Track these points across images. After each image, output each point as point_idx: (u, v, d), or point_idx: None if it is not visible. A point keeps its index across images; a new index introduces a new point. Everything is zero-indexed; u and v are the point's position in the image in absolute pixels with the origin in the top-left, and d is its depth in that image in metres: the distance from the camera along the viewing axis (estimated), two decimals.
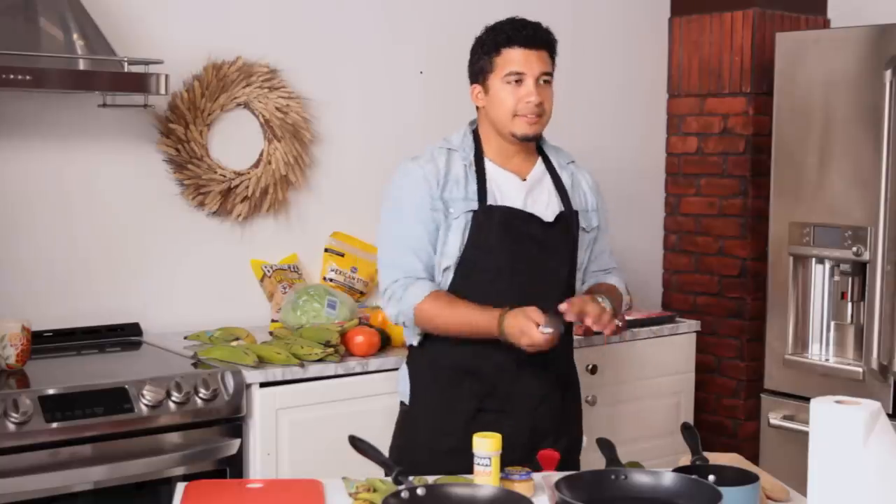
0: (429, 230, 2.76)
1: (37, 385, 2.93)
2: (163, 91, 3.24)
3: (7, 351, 3.06)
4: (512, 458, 2.36)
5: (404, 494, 2.02)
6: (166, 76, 3.24)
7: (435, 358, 2.81)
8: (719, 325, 4.69)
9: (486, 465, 2.21)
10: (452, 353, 2.77)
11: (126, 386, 2.94)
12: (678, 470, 2.14)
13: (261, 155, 3.82)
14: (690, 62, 4.81)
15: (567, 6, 4.60)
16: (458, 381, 2.77)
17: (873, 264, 3.80)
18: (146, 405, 2.92)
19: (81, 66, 3.19)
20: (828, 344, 4.07)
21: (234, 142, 3.77)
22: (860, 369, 3.87)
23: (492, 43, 2.78)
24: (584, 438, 2.96)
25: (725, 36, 4.66)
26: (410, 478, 2.12)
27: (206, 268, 3.73)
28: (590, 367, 3.82)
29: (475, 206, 2.74)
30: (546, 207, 2.81)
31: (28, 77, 2.98)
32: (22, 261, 3.41)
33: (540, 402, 2.79)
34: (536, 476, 2.31)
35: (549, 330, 2.52)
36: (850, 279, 3.94)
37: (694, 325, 4.22)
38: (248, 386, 3.10)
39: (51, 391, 2.86)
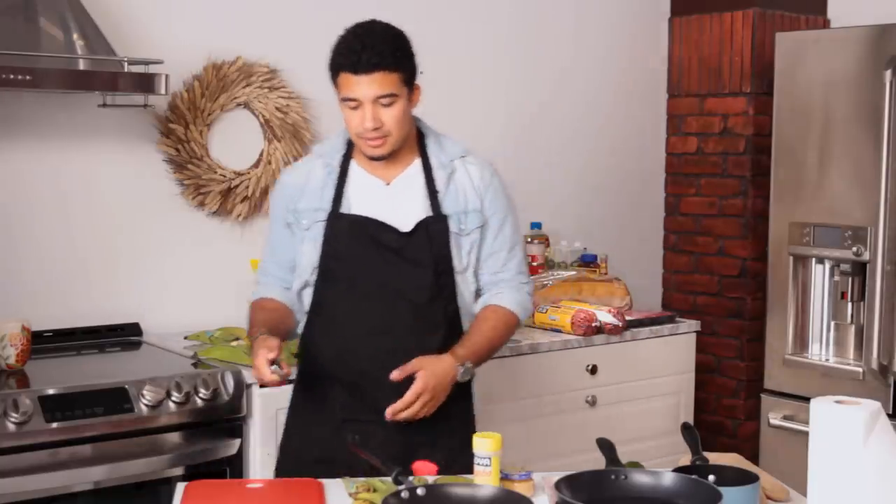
0: (285, 240, 2.71)
1: (37, 385, 2.93)
2: (163, 91, 3.24)
3: (7, 351, 3.06)
4: (385, 467, 2.30)
5: (404, 494, 2.02)
6: (166, 76, 3.24)
7: (307, 366, 2.74)
8: (719, 325, 4.69)
9: (486, 465, 2.21)
10: (322, 361, 2.68)
11: (126, 386, 2.94)
12: (678, 470, 2.14)
13: (261, 155, 3.82)
14: (690, 62, 4.81)
15: (568, 6, 4.60)
16: (326, 389, 2.68)
17: (873, 264, 3.80)
18: (146, 405, 2.92)
19: (81, 66, 3.19)
20: (828, 344, 4.07)
21: (234, 142, 3.77)
22: (860, 369, 3.87)
23: (332, 63, 2.61)
24: None
25: (725, 36, 4.66)
26: (410, 478, 2.12)
27: (206, 268, 3.73)
28: (589, 367, 3.82)
29: (325, 215, 2.65)
30: (408, 215, 2.65)
31: (28, 77, 2.99)
32: (22, 261, 3.41)
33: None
34: (536, 476, 2.31)
35: (281, 373, 2.41)
36: (850, 279, 3.94)
37: (694, 324, 4.22)
38: (248, 386, 3.10)
39: (51, 391, 2.86)
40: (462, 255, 2.70)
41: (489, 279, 2.76)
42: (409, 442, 2.57)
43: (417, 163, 2.71)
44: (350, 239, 2.63)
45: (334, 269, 2.65)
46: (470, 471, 2.43)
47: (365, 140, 2.60)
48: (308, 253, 2.66)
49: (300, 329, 2.75)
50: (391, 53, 2.58)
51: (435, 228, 2.66)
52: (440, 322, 2.67)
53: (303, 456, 2.66)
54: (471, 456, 2.56)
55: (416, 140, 2.74)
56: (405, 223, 2.65)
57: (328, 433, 2.64)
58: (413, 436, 2.58)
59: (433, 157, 2.73)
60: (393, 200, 2.67)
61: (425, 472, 2.33)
